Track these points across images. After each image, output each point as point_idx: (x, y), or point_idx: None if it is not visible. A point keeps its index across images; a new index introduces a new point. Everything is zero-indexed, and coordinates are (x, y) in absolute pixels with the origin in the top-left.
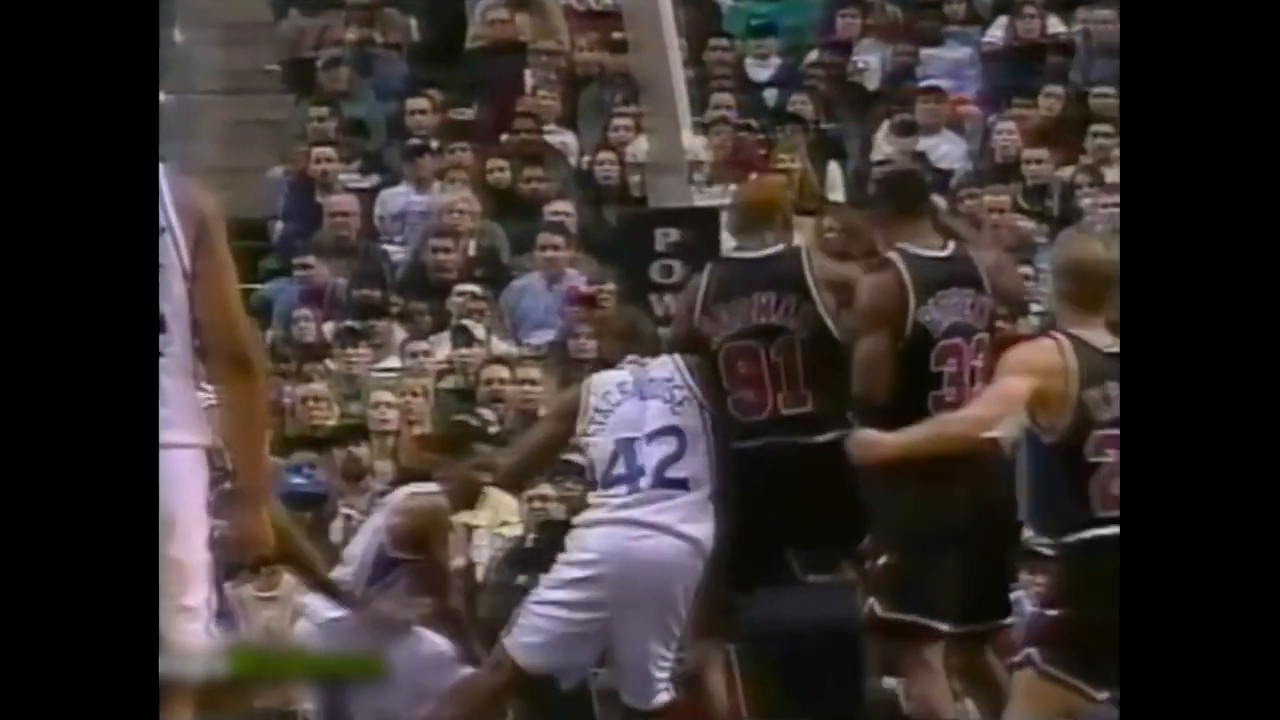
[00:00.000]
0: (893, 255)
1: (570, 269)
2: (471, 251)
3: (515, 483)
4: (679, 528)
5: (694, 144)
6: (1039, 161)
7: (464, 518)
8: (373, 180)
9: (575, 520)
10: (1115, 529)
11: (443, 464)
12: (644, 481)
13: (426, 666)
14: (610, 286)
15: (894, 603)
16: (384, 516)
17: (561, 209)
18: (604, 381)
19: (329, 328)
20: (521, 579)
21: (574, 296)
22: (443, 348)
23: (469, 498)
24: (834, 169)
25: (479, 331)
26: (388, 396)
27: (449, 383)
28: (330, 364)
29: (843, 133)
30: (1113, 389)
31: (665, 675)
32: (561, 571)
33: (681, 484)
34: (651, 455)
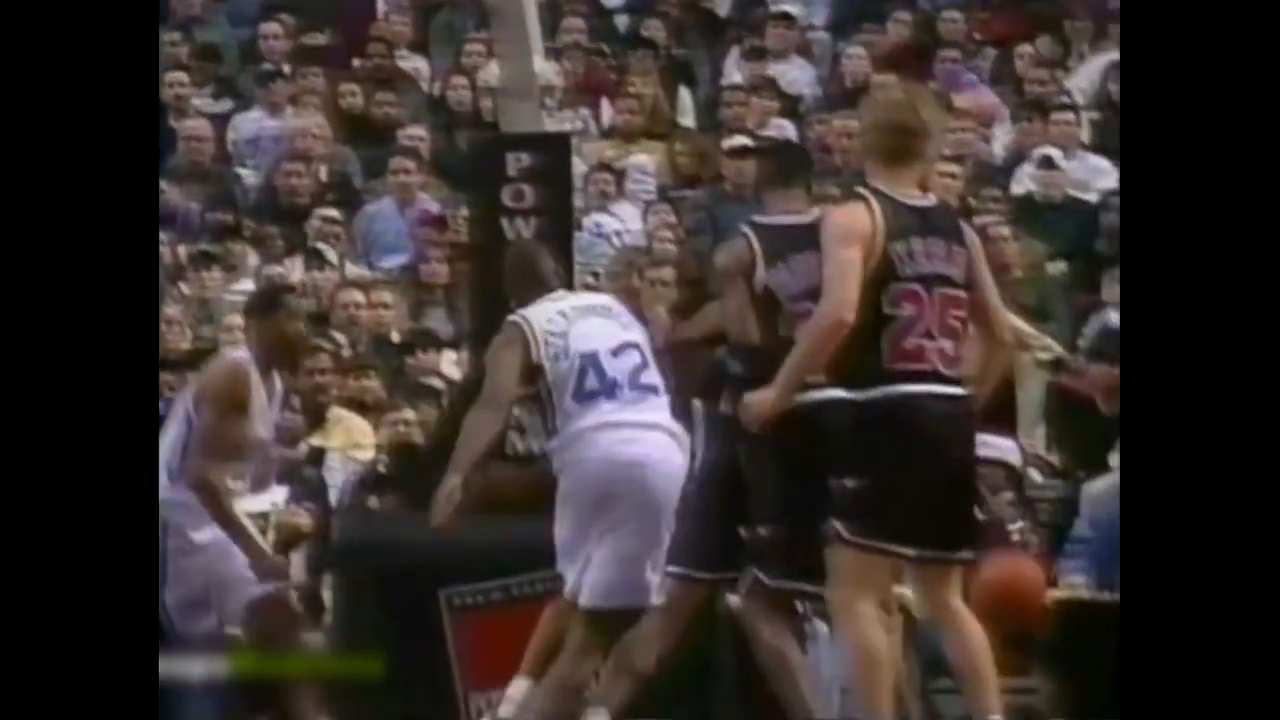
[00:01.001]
0: (745, 229)
1: (422, 193)
2: (324, 176)
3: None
4: (669, 425)
5: (545, 69)
6: (883, 85)
7: (315, 440)
8: (226, 105)
9: (552, 445)
10: (911, 386)
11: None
12: (623, 392)
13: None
14: (463, 211)
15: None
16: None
17: (413, 134)
18: (540, 311)
19: (183, 251)
20: (374, 501)
21: (424, 219)
22: (296, 271)
23: (281, 357)
24: (685, 94)
25: (332, 255)
26: (241, 320)
27: (303, 306)
28: (184, 288)
29: (693, 58)
30: (916, 244)
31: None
32: (572, 509)
33: (654, 389)
34: (620, 367)
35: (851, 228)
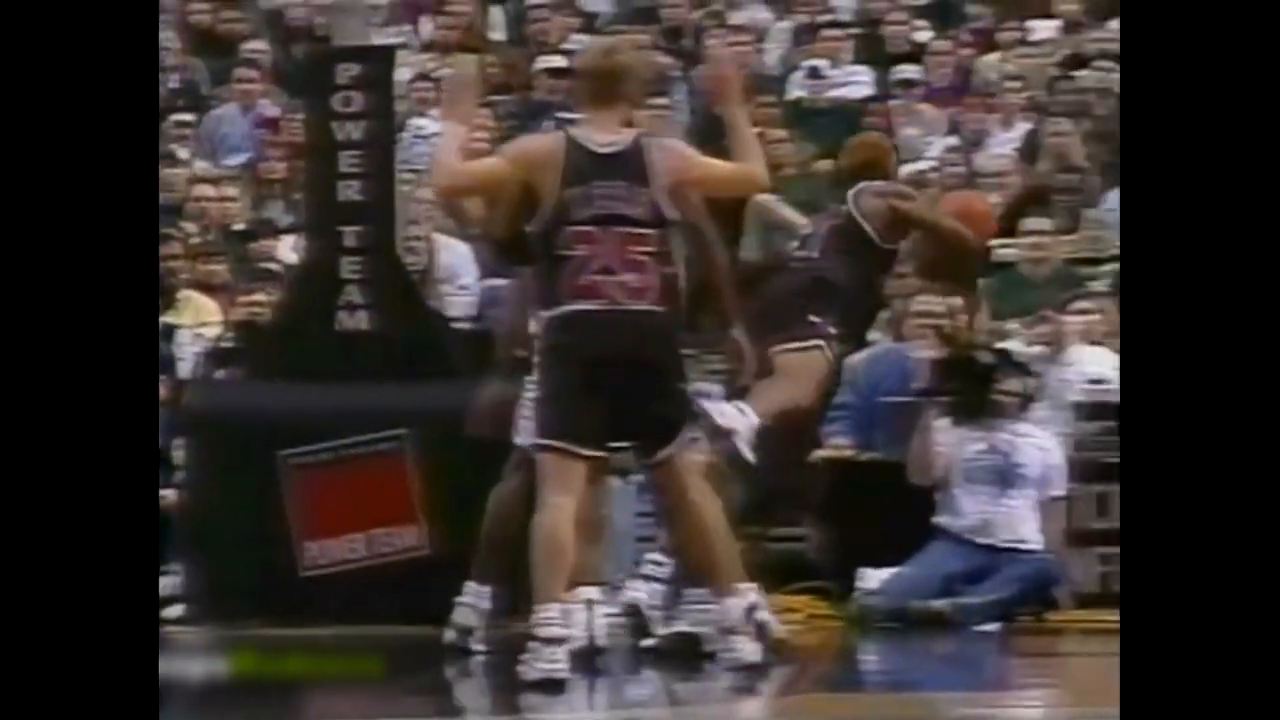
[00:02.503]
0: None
1: (262, 100)
2: (175, 84)
3: None
4: None
5: None
6: (674, 5)
7: (168, 318)
8: None
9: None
10: (580, 305)
11: None
12: None
13: None
14: (298, 115)
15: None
16: None
17: (255, 47)
18: None
19: None
20: (221, 374)
21: (263, 122)
22: None
23: None
24: (496, 11)
25: (183, 154)
26: None
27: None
28: None
29: None
30: (596, 187)
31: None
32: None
33: None
34: None
35: (528, 151)
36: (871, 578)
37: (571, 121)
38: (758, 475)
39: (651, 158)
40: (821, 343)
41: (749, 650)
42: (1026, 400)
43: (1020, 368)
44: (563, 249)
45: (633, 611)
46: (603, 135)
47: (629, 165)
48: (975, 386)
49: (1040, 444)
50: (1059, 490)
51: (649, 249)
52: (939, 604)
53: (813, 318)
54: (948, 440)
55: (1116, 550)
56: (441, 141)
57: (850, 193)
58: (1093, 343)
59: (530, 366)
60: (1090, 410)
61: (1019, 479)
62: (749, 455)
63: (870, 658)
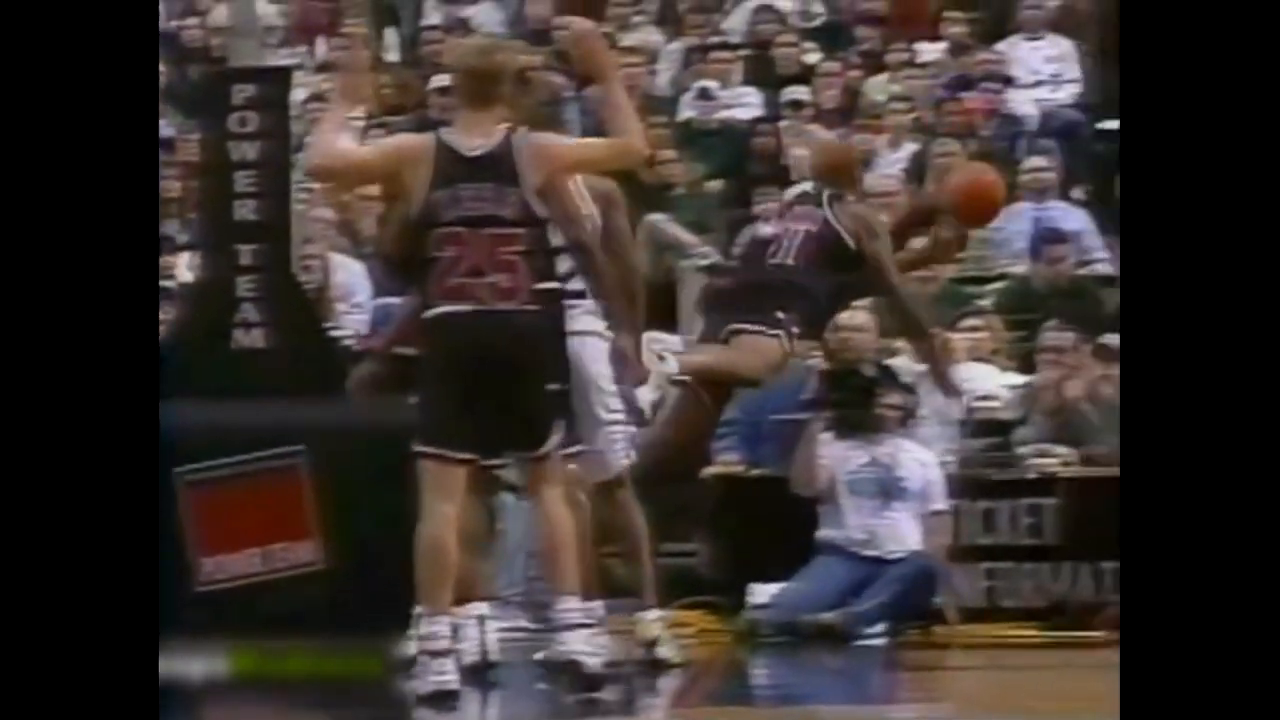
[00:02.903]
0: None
1: (161, 120)
2: None
3: None
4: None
5: (267, 10)
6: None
7: None
8: None
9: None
10: (448, 307)
11: None
12: None
13: None
14: (194, 135)
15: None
16: None
17: None
18: None
19: None
20: None
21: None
22: None
23: None
24: (390, 33)
25: None
26: None
27: None
28: None
29: (398, 1)
30: (464, 189)
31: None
32: None
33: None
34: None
35: (399, 147)
36: (761, 592)
37: (448, 123)
38: (648, 492)
39: (521, 156)
40: (780, 333)
41: (589, 662)
42: (908, 415)
43: (900, 383)
44: (432, 251)
45: (527, 625)
46: (473, 137)
47: (498, 166)
48: (858, 400)
49: (920, 458)
50: (939, 504)
51: (519, 249)
52: (827, 616)
53: (779, 314)
54: (831, 453)
55: (1001, 565)
56: (322, 121)
57: (825, 200)
58: (979, 360)
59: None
60: (977, 426)
61: (901, 492)
62: (644, 406)
63: (760, 672)
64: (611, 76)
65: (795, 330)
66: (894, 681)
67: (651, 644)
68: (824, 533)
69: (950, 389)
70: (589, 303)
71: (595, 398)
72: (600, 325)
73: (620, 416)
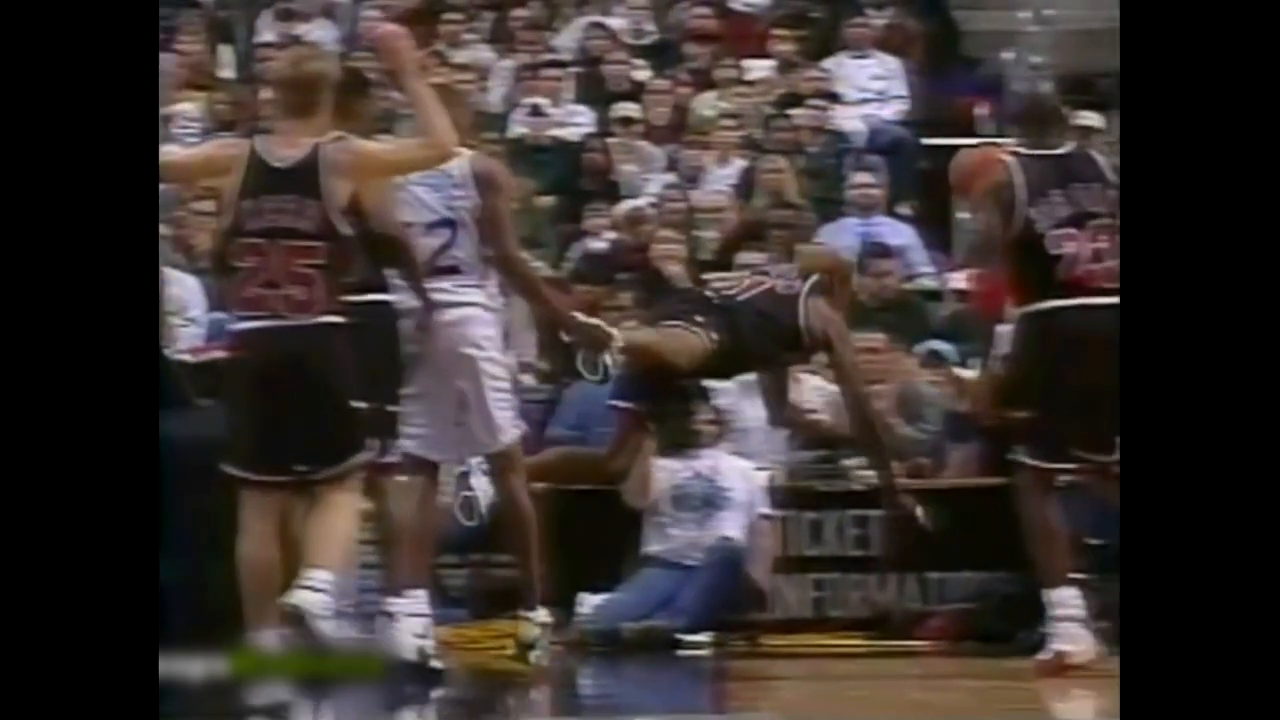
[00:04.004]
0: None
1: None
2: None
3: None
4: (463, 299)
5: None
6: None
7: None
8: None
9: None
10: (245, 320)
11: None
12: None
13: None
14: None
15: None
16: None
17: None
18: None
19: None
20: None
21: None
22: None
23: None
24: (225, 50)
25: None
26: None
27: None
28: None
29: (233, 18)
30: (266, 201)
31: (508, 415)
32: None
33: (454, 269)
34: (427, 244)
35: (211, 155)
36: (588, 603)
37: (266, 132)
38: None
39: (326, 167)
40: (701, 331)
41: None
42: (723, 428)
43: (708, 398)
44: (235, 261)
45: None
46: (284, 148)
47: (303, 177)
48: (676, 415)
49: (741, 467)
50: (764, 509)
51: (316, 261)
52: (649, 622)
53: (698, 317)
54: (656, 467)
55: (829, 576)
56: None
57: (804, 288)
58: (808, 372)
59: None
60: (804, 439)
61: (725, 502)
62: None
63: (587, 682)
64: (413, 75)
65: (715, 338)
66: (720, 691)
67: (529, 647)
68: (650, 546)
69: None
70: (468, 276)
71: (481, 368)
72: (481, 296)
73: (506, 386)
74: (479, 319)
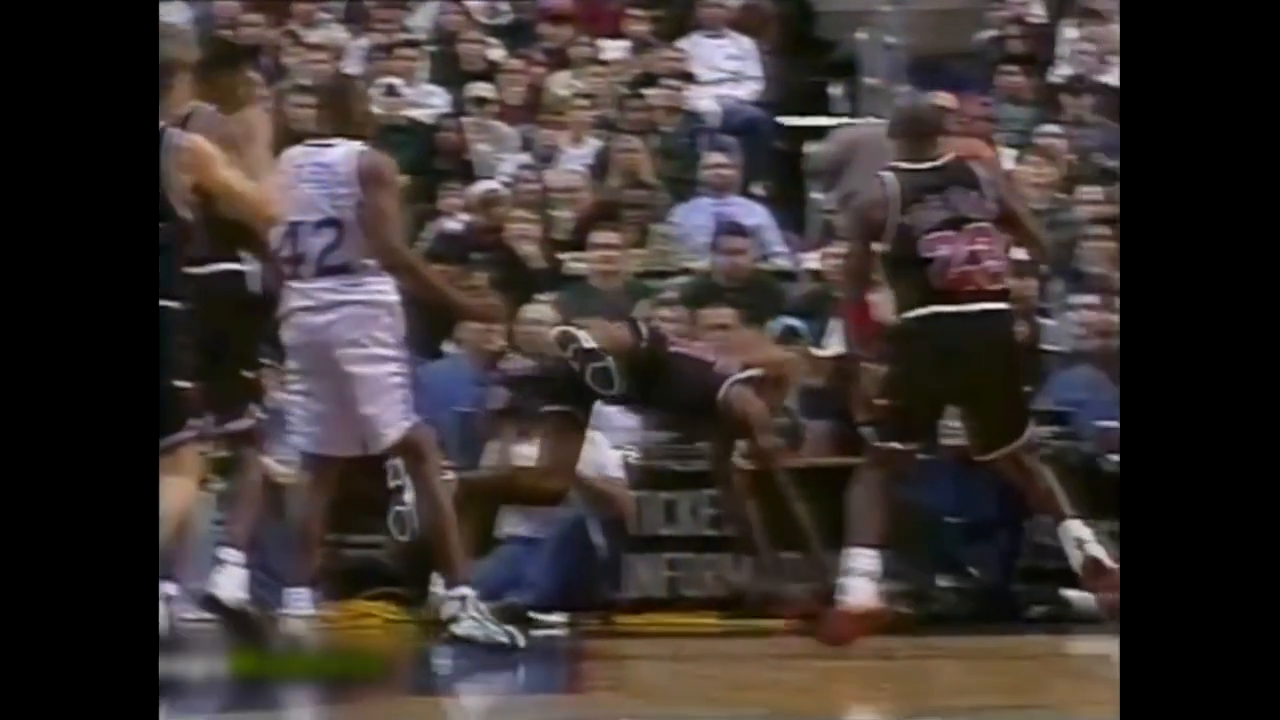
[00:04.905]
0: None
1: None
2: None
3: None
4: (348, 299)
5: None
6: (252, 25)
7: None
8: None
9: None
10: None
11: None
12: (306, 269)
13: None
14: None
15: None
16: None
17: None
18: (291, 155)
19: None
20: None
21: None
22: None
23: None
24: None
25: None
26: None
27: None
28: None
29: None
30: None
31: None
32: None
33: (341, 269)
34: (313, 243)
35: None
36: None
37: None
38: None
39: (169, 154)
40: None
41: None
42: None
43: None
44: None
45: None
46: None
47: None
48: (525, 396)
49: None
50: (614, 473)
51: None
52: (506, 600)
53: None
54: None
55: (682, 555)
56: None
57: (737, 374)
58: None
59: None
60: (660, 419)
61: None
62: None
63: (444, 662)
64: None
65: (641, 333)
66: (574, 671)
67: (450, 621)
68: (507, 525)
69: None
70: (356, 274)
71: (362, 367)
72: (368, 294)
73: (394, 382)
74: (365, 317)
